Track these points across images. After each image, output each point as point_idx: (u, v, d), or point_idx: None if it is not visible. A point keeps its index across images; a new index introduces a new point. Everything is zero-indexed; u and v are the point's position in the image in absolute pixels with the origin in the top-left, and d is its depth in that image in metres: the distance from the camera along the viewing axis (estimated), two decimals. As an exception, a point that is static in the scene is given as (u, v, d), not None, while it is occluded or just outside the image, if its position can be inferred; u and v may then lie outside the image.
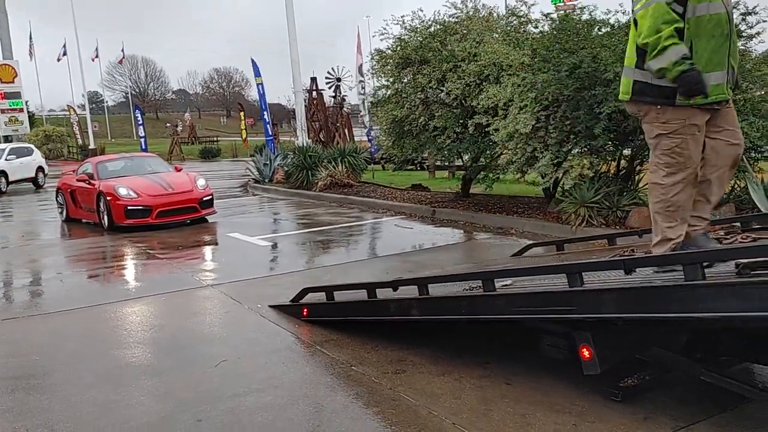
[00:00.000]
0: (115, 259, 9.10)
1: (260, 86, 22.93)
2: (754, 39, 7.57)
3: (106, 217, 11.15)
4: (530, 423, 3.39)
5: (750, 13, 7.42)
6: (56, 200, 13.46)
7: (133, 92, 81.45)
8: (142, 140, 35.61)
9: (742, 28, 7.43)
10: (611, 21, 8.22)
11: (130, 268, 8.32)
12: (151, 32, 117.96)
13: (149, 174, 12.13)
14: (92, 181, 11.78)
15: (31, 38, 56.62)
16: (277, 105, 50.96)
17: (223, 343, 5.02)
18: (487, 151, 9.38)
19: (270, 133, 23.68)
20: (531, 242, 6.81)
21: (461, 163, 12.21)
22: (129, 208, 10.91)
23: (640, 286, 2.89)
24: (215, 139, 50.85)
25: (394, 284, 4.42)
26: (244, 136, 38.50)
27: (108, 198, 11.05)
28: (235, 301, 6.19)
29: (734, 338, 3.24)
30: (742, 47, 7.54)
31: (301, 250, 9.04)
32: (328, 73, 27.73)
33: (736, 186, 7.58)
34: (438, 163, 17.71)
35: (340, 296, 5.07)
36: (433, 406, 3.66)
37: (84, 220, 12.34)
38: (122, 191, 11.05)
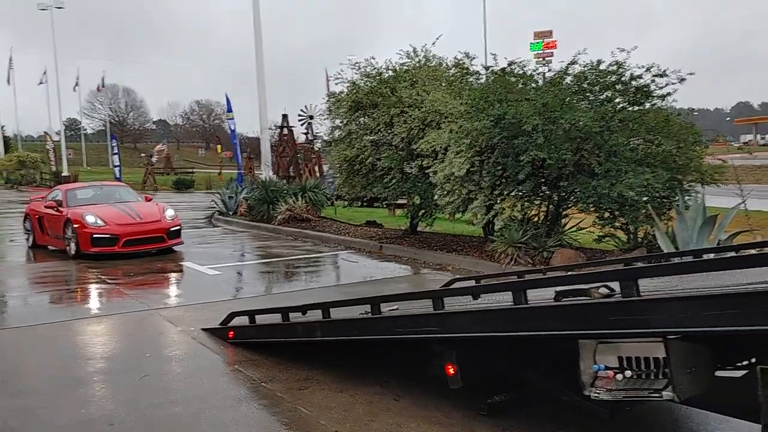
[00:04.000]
0: (67, 283, 9.44)
1: (231, 121, 23.52)
2: (665, 99, 8.31)
3: (72, 245, 11.17)
4: (401, 429, 3.87)
5: (661, 75, 8.19)
6: (23, 226, 13.50)
7: (112, 121, 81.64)
8: (117, 169, 35.86)
9: (652, 88, 8.20)
10: (536, 78, 8.97)
11: (78, 293, 8.69)
12: (133, 62, 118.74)
13: (118, 203, 12.23)
14: (60, 208, 11.84)
15: (11, 63, 56.95)
16: (255, 139, 51.56)
17: (151, 361, 5.44)
18: (428, 192, 9.97)
19: (240, 167, 24.25)
20: (456, 276, 7.34)
21: (413, 202, 12.78)
22: (95, 236, 10.94)
23: (479, 309, 3.41)
24: (191, 170, 51.20)
25: (303, 308, 4.90)
26: (220, 168, 38.98)
27: (75, 225, 11.08)
28: (171, 324, 6.61)
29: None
30: (651, 106, 8.29)
31: (247, 279, 9.48)
32: (301, 110, 28.53)
33: (648, 232, 8.21)
34: (398, 201, 18.33)
35: (261, 320, 5.52)
36: (324, 417, 4.11)
37: (51, 247, 12.36)
38: (90, 219, 11.09)
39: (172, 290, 8.61)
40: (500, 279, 6.65)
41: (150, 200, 13.01)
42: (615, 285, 2.94)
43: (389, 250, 11.05)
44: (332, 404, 4.34)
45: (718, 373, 3.06)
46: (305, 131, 28.95)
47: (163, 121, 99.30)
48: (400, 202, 18.97)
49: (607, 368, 2.99)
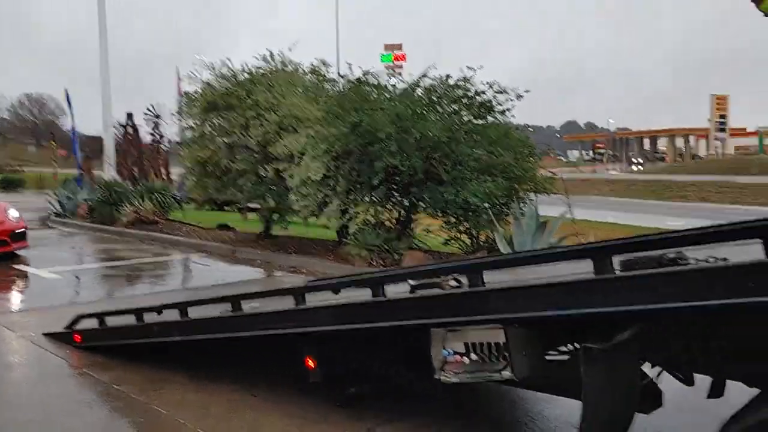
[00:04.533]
0: None
1: (72, 118, 22.03)
2: (504, 114, 9.08)
3: None
4: (262, 424, 3.98)
5: (501, 92, 8.93)
6: None
7: None
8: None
9: (494, 104, 8.93)
10: (389, 88, 9.42)
11: None
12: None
13: None
14: None
15: None
16: (97, 138, 48.41)
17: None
18: (284, 195, 10.05)
19: (79, 167, 22.73)
20: (311, 279, 7.50)
21: (268, 206, 12.78)
22: None
23: (338, 303, 3.61)
24: (19, 168, 47.06)
25: (159, 309, 4.82)
26: (55, 167, 36.18)
27: None
28: (9, 330, 6.17)
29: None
30: (493, 120, 9.01)
31: (90, 283, 9.02)
32: (147, 109, 27.27)
33: (489, 236, 8.89)
34: (250, 204, 18.15)
35: (112, 321, 5.34)
36: (181, 416, 4.09)
37: None
38: None
39: (6, 295, 7.98)
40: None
41: None
42: (464, 278, 3.27)
43: (242, 254, 10.98)
44: (189, 403, 4.33)
45: (550, 358, 3.48)
46: (152, 131, 27.74)
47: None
48: (253, 205, 18.82)
49: (455, 353, 3.29)
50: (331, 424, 3.95)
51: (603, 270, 2.64)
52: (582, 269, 3.05)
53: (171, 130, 26.88)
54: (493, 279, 3.67)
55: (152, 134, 27.13)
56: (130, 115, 24.92)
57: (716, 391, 3.34)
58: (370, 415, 4.08)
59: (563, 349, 3.55)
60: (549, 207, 9.29)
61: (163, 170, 25.39)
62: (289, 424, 3.97)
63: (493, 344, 3.26)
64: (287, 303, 4.02)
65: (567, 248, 3.12)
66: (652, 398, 3.52)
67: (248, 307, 4.34)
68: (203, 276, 9.48)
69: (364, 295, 3.67)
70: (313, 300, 4.00)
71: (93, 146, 33.27)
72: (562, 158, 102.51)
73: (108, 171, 17.52)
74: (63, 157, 47.04)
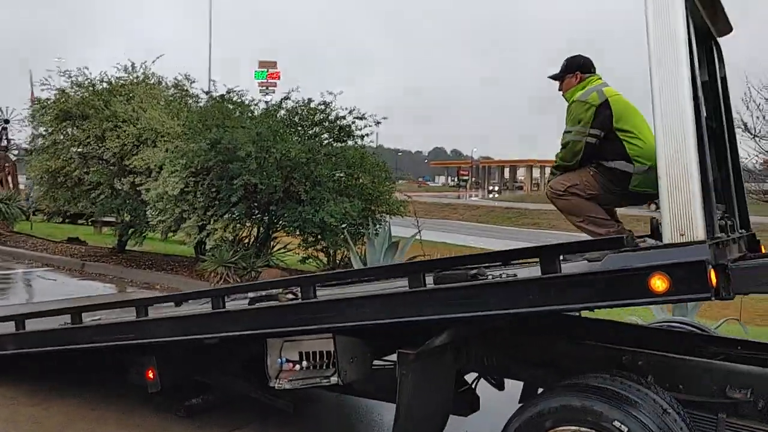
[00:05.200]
0: None
1: None
2: (363, 138, 9.55)
3: None
4: (96, 436, 3.99)
5: (360, 118, 9.40)
6: None
7: None
8: None
9: (353, 129, 9.37)
10: (252, 108, 9.60)
11: None
12: None
13: None
14: None
15: None
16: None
17: None
18: (140, 209, 9.86)
19: None
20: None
21: (123, 219, 12.41)
22: None
23: (178, 315, 3.75)
24: None
25: (-8, 321, 4.67)
26: None
27: None
28: None
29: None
30: (354, 143, 9.44)
31: None
32: (-6, 113, 25.42)
33: (345, 255, 9.23)
34: (106, 218, 17.43)
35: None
36: (14, 427, 4.02)
37: None
38: None
39: None
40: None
41: None
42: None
43: (93, 269, 10.60)
44: (23, 417, 4.25)
45: (377, 364, 3.80)
46: (-2, 137, 25.82)
47: None
48: (107, 219, 18.07)
49: (289, 361, 3.54)
50: (169, 434, 4.05)
51: (416, 284, 3.00)
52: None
53: (21, 136, 25.24)
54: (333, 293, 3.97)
55: (-1, 140, 25.34)
56: (-26, 118, 23.17)
57: (527, 394, 3.82)
58: (210, 424, 4.22)
59: (389, 358, 3.89)
60: (406, 229, 9.83)
61: (9, 179, 23.72)
62: (124, 434, 4.02)
63: (324, 352, 3.54)
64: (130, 316, 4.09)
65: (386, 266, 3.49)
66: (470, 403, 3.95)
67: (90, 319, 4.35)
68: (49, 291, 9.05)
69: (205, 308, 3.83)
70: (156, 313, 4.10)
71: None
72: (429, 183, 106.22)
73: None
74: None
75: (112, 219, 14.72)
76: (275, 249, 9.95)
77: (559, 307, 2.66)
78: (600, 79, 4.09)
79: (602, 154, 3.82)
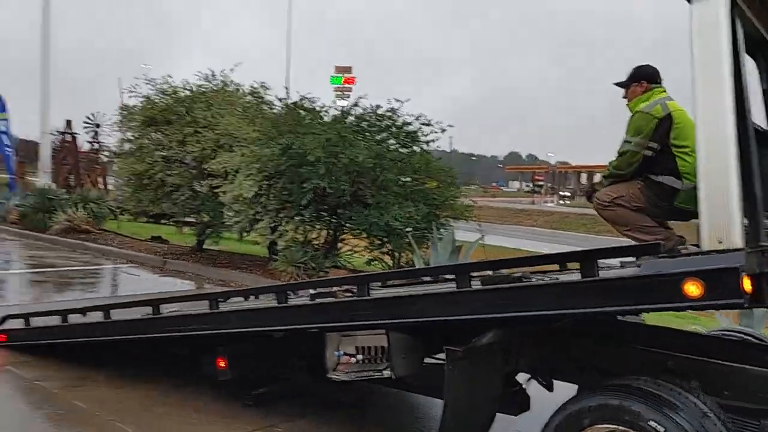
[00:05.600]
0: None
1: (5, 122, 21.62)
2: (429, 144, 9.74)
3: None
4: (174, 418, 4.34)
5: (426, 124, 9.60)
6: None
7: None
8: None
9: (419, 135, 9.58)
10: (322, 114, 9.97)
11: None
12: None
13: None
14: None
15: None
16: (31, 142, 47.17)
17: None
18: (217, 210, 10.40)
19: (12, 172, 22.31)
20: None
21: (201, 220, 13.06)
22: None
23: (248, 308, 4.05)
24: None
25: (83, 310, 5.14)
26: (-14, 171, 35.11)
27: None
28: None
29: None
30: (419, 149, 9.65)
31: (16, 288, 9.12)
32: (87, 118, 27.05)
33: (409, 258, 9.44)
34: (187, 219, 18.32)
35: (37, 322, 5.60)
36: (98, 410, 4.43)
37: None
38: None
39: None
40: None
41: None
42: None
43: (173, 266, 11.22)
44: (107, 399, 4.65)
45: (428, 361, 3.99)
46: (90, 140, 27.45)
47: None
48: (188, 219, 18.99)
49: (346, 354, 3.78)
50: (239, 421, 4.35)
51: (463, 285, 3.18)
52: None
53: (111, 140, 26.73)
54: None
55: (91, 143, 26.95)
56: (69, 123, 24.72)
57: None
58: (275, 414, 4.51)
59: (441, 355, 4.08)
60: (472, 233, 9.94)
61: (99, 180, 25.20)
62: (199, 420, 4.35)
63: (378, 347, 3.77)
64: (203, 309, 4.43)
65: (435, 267, 3.67)
66: (520, 402, 4.08)
67: (167, 311, 4.73)
68: (132, 285, 9.69)
69: (271, 302, 4.13)
70: (227, 307, 4.43)
71: (27, 151, 32.51)
72: (502, 188, 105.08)
73: (43, 177, 17.36)
74: (-4, 160, 45.65)
75: (192, 219, 15.52)
76: (342, 251, 10.27)
77: (596, 309, 2.78)
78: (665, 91, 4.14)
79: (651, 168, 3.88)
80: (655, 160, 3.93)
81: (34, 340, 5.60)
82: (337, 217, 9.64)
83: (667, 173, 3.89)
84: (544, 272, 3.86)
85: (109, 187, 24.80)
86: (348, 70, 64.19)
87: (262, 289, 4.33)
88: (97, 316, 5.03)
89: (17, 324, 5.78)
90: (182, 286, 9.85)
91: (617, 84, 4.27)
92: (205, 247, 12.34)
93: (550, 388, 4.16)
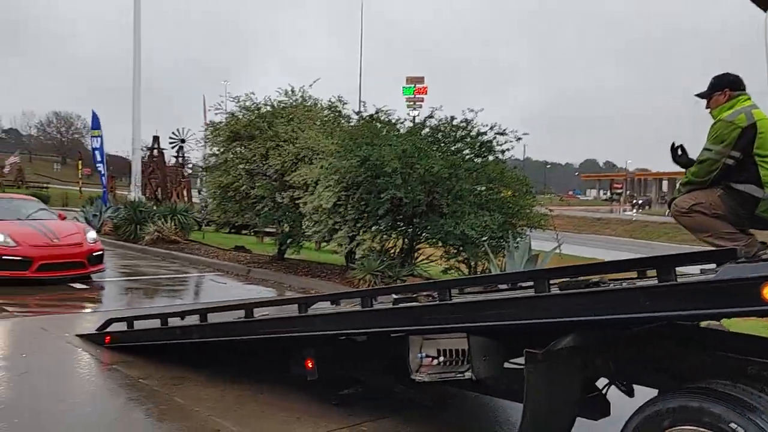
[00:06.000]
0: None
1: (98, 139, 23.01)
2: (504, 153, 9.83)
3: None
4: (266, 415, 4.64)
5: (501, 134, 9.69)
6: None
7: (-46, 126, 75.15)
8: (-39, 178, 33.45)
9: (494, 144, 9.68)
10: (398, 126, 10.23)
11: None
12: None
13: (29, 220, 10.69)
14: None
15: None
16: (118, 157, 49.95)
17: (27, 361, 5.82)
18: (297, 221, 10.81)
19: (105, 186, 23.73)
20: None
21: (287, 230, 13.59)
22: (5, 257, 9.42)
23: (335, 312, 4.30)
24: (45, 185, 48.46)
25: (182, 314, 5.54)
26: (80, 185, 37.42)
27: None
28: (45, 331, 6.92)
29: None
30: (494, 159, 9.75)
31: (114, 294, 9.78)
32: (173, 133, 28.44)
33: (485, 267, 9.54)
34: (267, 229, 19.05)
35: (138, 325, 6.06)
36: (197, 406, 4.77)
37: None
38: None
39: (40, 302, 8.73)
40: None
41: (64, 218, 11.71)
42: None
43: (257, 274, 11.71)
44: (204, 396, 5.00)
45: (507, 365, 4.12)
46: (176, 155, 28.83)
47: (14, 131, 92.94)
48: (268, 229, 19.72)
49: (428, 356, 3.96)
50: (325, 419, 4.60)
51: (542, 290, 3.31)
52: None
53: (195, 155, 27.98)
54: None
55: (176, 157, 28.27)
56: (156, 138, 26.10)
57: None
58: (359, 413, 4.74)
59: (520, 360, 4.19)
60: (547, 242, 9.96)
61: (184, 192, 26.41)
62: (288, 418, 4.62)
63: (459, 350, 3.93)
64: (292, 313, 4.71)
65: (512, 274, 3.80)
66: (600, 407, 4.15)
67: (259, 315, 5.04)
68: (219, 293, 10.20)
69: (355, 307, 4.36)
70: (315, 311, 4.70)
71: (115, 165, 34.42)
72: (579, 197, 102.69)
73: (134, 191, 18.40)
74: (87, 175, 48.42)
75: (273, 230, 16.10)
76: (419, 260, 10.47)
77: (673, 313, 2.85)
78: (749, 99, 4.12)
79: (733, 176, 3.88)
80: (737, 168, 3.92)
81: (136, 342, 6.06)
82: (413, 226, 9.86)
83: (748, 182, 3.88)
84: (621, 279, 3.93)
85: (194, 199, 25.97)
86: (420, 80, 64.51)
87: (346, 294, 4.57)
88: (193, 320, 5.40)
89: (120, 327, 6.26)
90: (266, 293, 10.28)
91: (698, 95, 4.28)
92: (285, 256, 12.80)
93: (630, 393, 4.21)
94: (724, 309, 2.71)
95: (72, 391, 5.00)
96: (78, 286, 9.86)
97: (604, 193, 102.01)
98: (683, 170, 4.25)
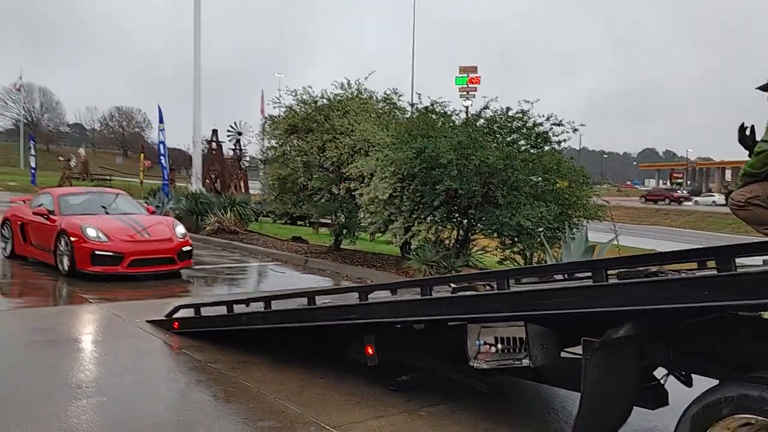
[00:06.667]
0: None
1: (162, 132, 23.76)
2: (560, 144, 9.78)
3: (66, 260, 9.63)
4: (327, 399, 4.82)
5: (558, 124, 9.64)
6: (0, 233, 11.71)
7: (25, 120, 78.60)
8: (33, 172, 35.04)
9: (550, 135, 9.64)
10: (453, 118, 10.28)
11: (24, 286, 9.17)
12: (53, 62, 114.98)
13: (120, 214, 10.64)
14: (52, 216, 10.21)
15: None
16: (177, 150, 51.48)
17: (104, 343, 6.19)
18: (353, 212, 11.01)
19: (166, 178, 24.50)
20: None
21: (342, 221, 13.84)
22: (97, 252, 9.42)
23: (395, 300, 4.44)
24: (109, 177, 50.22)
25: (247, 301, 5.78)
26: (141, 177, 38.65)
27: (72, 239, 9.49)
28: (118, 317, 7.30)
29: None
30: (550, 149, 9.70)
31: (181, 282, 10.17)
32: (230, 126, 29.09)
33: (541, 258, 9.53)
34: (322, 220, 19.41)
35: (205, 311, 6.34)
36: (263, 389, 5.00)
37: (32, 259, 10.91)
38: (91, 232, 9.52)
39: (110, 287, 9.15)
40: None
41: (152, 212, 11.81)
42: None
43: (314, 264, 11.98)
44: (269, 380, 5.23)
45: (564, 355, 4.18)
46: (233, 147, 29.50)
47: (79, 125, 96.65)
48: (323, 221, 20.08)
49: (486, 344, 4.06)
50: (384, 403, 4.76)
51: (600, 279, 3.37)
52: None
53: (251, 147, 28.60)
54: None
55: (234, 150, 28.94)
56: (215, 132, 26.80)
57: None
58: (417, 399, 4.88)
59: (576, 351, 4.25)
60: (604, 234, 9.87)
61: (242, 184, 27.05)
62: (348, 401, 4.80)
63: (517, 338, 4.02)
64: (353, 300, 4.88)
65: (570, 263, 3.86)
66: (657, 397, 4.17)
67: (321, 302, 5.23)
68: (279, 281, 10.50)
69: (415, 295, 4.49)
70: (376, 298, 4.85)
71: (173, 158, 35.41)
72: (638, 187, 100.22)
73: (195, 183, 18.98)
74: (148, 167, 49.89)
75: (328, 221, 16.39)
76: (473, 250, 10.52)
77: (734, 303, 2.88)
78: None
79: None
80: None
81: (204, 328, 6.34)
82: (468, 217, 9.91)
83: None
84: (680, 270, 3.94)
85: (251, 191, 26.56)
86: (473, 69, 63.96)
87: (406, 283, 4.70)
88: (258, 307, 5.63)
89: (188, 313, 6.56)
90: (324, 282, 10.52)
91: (760, 88, 4.24)
92: (341, 246, 13.04)
93: (689, 383, 4.21)
94: (785, 299, 2.72)
95: (146, 371, 5.31)
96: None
97: (664, 183, 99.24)
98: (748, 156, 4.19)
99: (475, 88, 61.36)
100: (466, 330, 4.20)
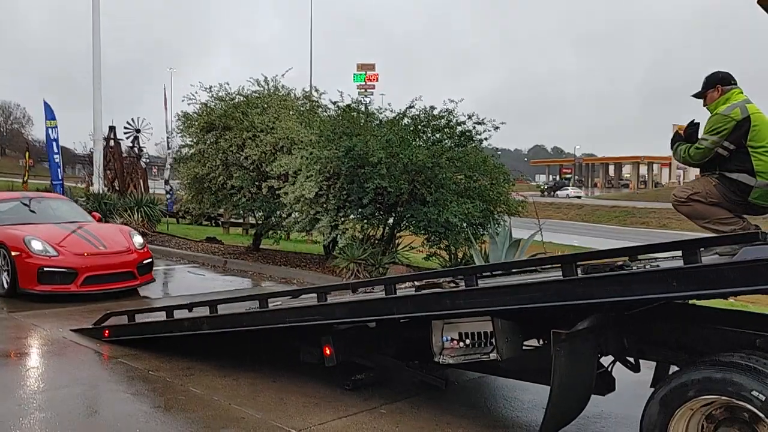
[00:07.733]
0: None
1: (53, 129, 22.33)
2: (482, 142, 10.07)
3: (4, 279, 8.40)
4: (285, 402, 4.75)
5: (480, 123, 9.94)
6: None
7: None
8: None
9: (473, 133, 9.91)
10: (380, 116, 10.35)
11: None
12: None
13: (66, 223, 9.30)
14: None
15: None
16: (64, 148, 48.48)
17: (29, 356, 5.78)
18: (277, 211, 10.84)
19: (59, 178, 23.04)
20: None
21: (254, 221, 13.57)
22: (45, 269, 8.16)
23: (357, 299, 4.44)
24: (-16, 177, 46.66)
25: (190, 306, 5.58)
26: (26, 177, 36.18)
27: (14, 253, 8.23)
28: (39, 327, 6.83)
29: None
30: (473, 148, 9.97)
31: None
32: (128, 123, 27.79)
33: (466, 253, 9.78)
34: (233, 219, 19.04)
35: (141, 318, 6.06)
36: (215, 395, 4.85)
37: None
38: (36, 245, 8.25)
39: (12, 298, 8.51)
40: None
41: (99, 219, 10.54)
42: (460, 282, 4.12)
43: (234, 265, 11.69)
44: (219, 386, 5.08)
45: (526, 345, 4.34)
46: (131, 145, 28.18)
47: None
48: (234, 221, 19.68)
49: (452, 339, 4.14)
50: (343, 404, 4.74)
51: (569, 273, 3.52)
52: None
53: (149, 145, 27.47)
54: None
55: (132, 148, 27.69)
56: (112, 129, 25.45)
57: (659, 375, 4.25)
58: (375, 397, 4.90)
59: (535, 343, 4.42)
60: (521, 229, 10.27)
61: (141, 183, 25.90)
62: (307, 403, 4.74)
63: (482, 333, 4.12)
64: (309, 301, 4.83)
65: (544, 258, 4.02)
66: (607, 383, 4.41)
67: (272, 305, 5.14)
68: (200, 285, 10.15)
69: (378, 294, 4.51)
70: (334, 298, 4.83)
71: (63, 157, 33.41)
72: (530, 182, 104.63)
73: (98, 183, 18.03)
74: (30, 166, 46.80)
75: (239, 221, 16.07)
76: (400, 247, 10.64)
77: (700, 292, 3.10)
78: (742, 93, 4.46)
79: (727, 166, 4.21)
80: (731, 158, 4.25)
81: (139, 335, 6.05)
82: (395, 214, 10.01)
83: (742, 171, 4.21)
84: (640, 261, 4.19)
85: (151, 190, 25.49)
86: (371, 67, 64.40)
87: (366, 282, 4.70)
88: (200, 311, 5.45)
89: (120, 320, 6.24)
90: (247, 284, 10.30)
91: (694, 95, 4.60)
92: (261, 246, 12.80)
93: (636, 369, 4.49)
94: (748, 287, 2.96)
95: (83, 384, 5.02)
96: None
97: (553, 179, 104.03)
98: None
99: (373, 85, 61.86)
100: (431, 326, 4.26)
